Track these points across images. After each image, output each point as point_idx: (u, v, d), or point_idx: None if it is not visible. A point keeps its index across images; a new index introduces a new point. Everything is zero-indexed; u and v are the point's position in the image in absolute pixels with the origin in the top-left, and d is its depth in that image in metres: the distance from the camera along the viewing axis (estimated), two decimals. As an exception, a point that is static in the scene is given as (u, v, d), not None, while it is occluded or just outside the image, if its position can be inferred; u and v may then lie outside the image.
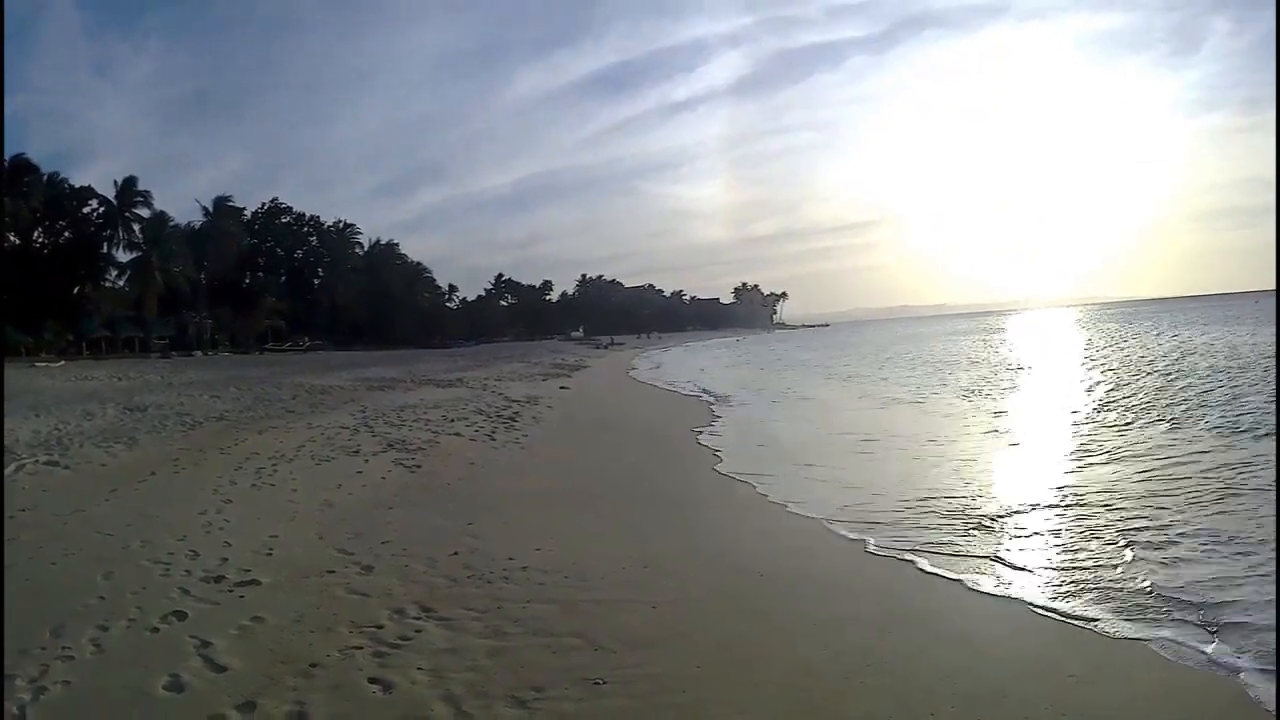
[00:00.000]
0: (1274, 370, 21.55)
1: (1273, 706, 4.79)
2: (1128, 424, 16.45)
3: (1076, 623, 6.21)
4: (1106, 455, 13.14)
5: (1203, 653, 5.55)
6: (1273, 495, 9.00)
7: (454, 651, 5.54)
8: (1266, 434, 13.80)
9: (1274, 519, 8.15)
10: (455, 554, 7.91)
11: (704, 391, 31.33)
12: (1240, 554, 7.61)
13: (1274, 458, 9.32)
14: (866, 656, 5.52)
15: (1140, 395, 21.38)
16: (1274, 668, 4.83)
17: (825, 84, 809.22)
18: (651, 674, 5.22)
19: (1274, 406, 16.29)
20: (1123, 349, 43.70)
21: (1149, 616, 6.21)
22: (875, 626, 6.16)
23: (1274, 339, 36.81)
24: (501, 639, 5.77)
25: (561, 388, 32.57)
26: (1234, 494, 9.94)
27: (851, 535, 8.89)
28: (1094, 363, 35.37)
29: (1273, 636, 5.56)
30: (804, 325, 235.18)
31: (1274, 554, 6.77)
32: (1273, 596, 6.11)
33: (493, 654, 5.50)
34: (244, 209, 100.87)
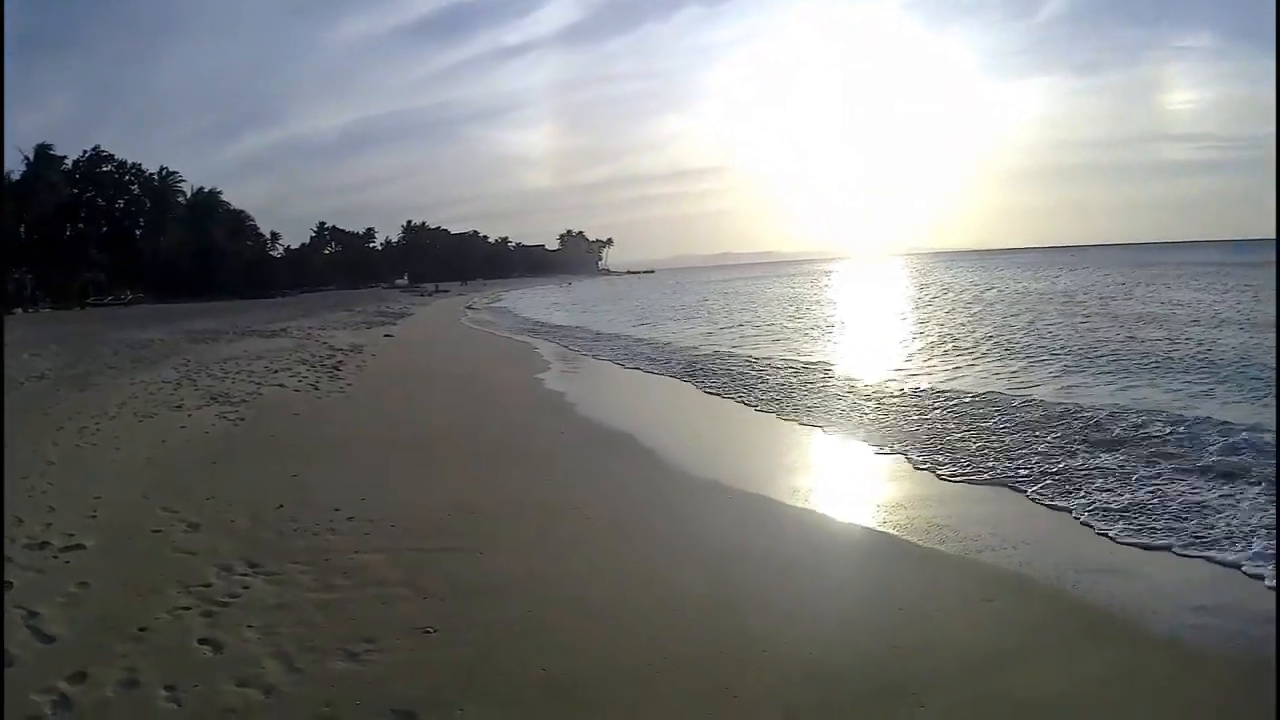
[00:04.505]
0: None
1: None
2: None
3: (912, 543, 6.55)
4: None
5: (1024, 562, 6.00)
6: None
7: (283, 606, 5.37)
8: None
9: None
10: (281, 507, 7.64)
11: (533, 335, 31.33)
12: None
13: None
14: (702, 591, 5.61)
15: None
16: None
17: (658, 34, 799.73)
18: (482, 620, 5.15)
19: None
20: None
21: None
22: (716, 559, 6.26)
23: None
24: (330, 591, 5.63)
25: (386, 335, 31.66)
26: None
27: (698, 472, 9.01)
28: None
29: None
30: (629, 271, 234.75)
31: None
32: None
33: (322, 607, 5.36)
34: (65, 157, 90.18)
